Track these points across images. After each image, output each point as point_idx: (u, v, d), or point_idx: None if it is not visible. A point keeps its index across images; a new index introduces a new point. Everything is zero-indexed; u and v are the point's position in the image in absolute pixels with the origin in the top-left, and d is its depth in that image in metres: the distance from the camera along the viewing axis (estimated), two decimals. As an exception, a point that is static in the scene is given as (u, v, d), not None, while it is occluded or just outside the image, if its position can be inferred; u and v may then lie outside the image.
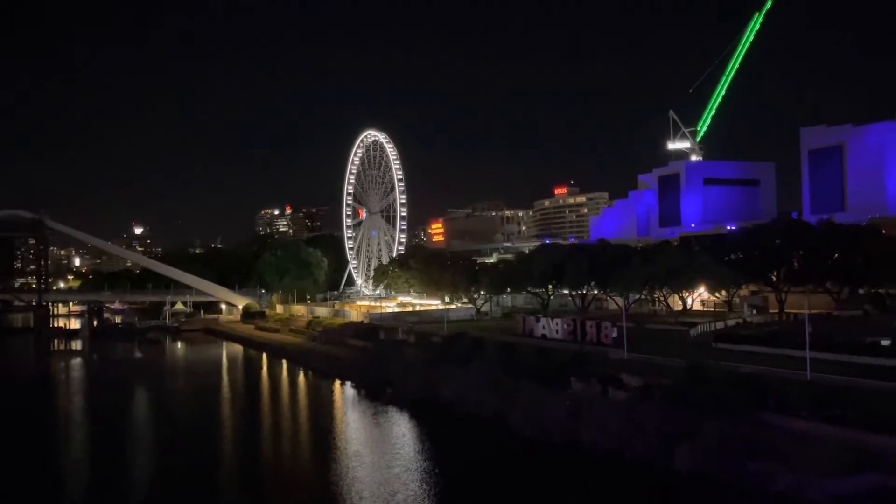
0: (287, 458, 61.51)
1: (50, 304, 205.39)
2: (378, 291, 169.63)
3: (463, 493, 49.15)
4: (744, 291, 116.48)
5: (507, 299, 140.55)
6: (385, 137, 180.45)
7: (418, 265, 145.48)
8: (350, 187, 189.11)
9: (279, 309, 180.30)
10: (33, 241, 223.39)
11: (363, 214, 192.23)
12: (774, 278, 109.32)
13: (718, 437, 47.29)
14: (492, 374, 69.33)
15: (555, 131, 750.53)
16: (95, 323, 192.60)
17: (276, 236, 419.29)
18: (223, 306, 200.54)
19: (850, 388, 52.44)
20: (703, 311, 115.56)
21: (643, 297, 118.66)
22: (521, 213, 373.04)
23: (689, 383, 54.58)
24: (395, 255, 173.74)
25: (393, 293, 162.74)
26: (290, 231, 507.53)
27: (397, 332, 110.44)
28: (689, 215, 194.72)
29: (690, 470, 46.77)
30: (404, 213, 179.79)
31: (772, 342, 71.79)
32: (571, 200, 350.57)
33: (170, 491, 51.87)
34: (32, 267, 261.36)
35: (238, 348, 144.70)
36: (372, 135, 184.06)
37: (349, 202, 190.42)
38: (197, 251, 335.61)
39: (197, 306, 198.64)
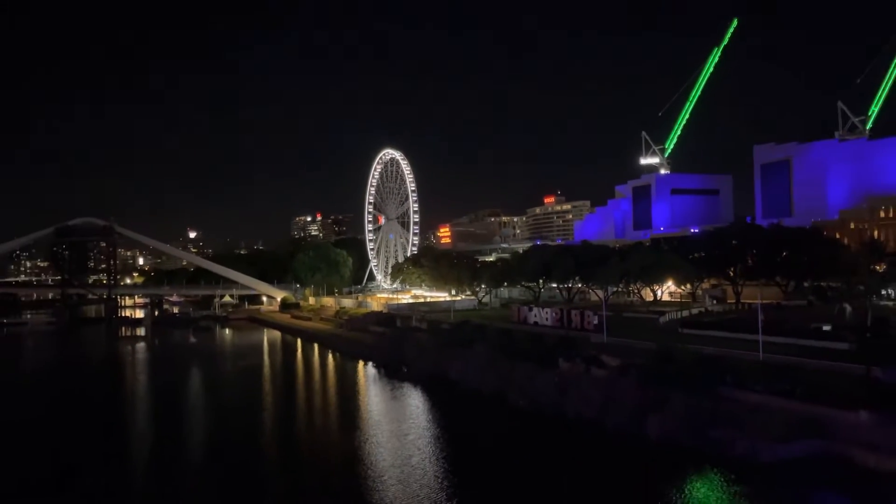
0: (319, 427, 61.66)
1: (118, 297, 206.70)
2: (395, 286, 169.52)
3: (468, 455, 49.14)
4: (705, 285, 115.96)
5: (504, 292, 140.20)
6: (400, 155, 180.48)
7: (429, 263, 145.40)
8: (371, 197, 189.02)
9: (311, 301, 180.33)
10: (104, 244, 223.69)
11: (382, 220, 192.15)
12: (732, 273, 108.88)
13: (684, 409, 47.26)
14: (492, 356, 69.27)
15: (545, 150, 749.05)
16: (156, 313, 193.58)
17: (309, 239, 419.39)
18: (264, 299, 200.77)
19: (796, 366, 52.34)
20: (671, 301, 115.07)
21: (620, 289, 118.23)
22: (515, 219, 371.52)
23: (659, 363, 54.47)
24: (409, 254, 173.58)
25: (407, 287, 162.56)
26: (321, 235, 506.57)
27: (411, 320, 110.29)
28: (659, 220, 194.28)
29: (660, 436, 46.73)
30: (417, 219, 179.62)
31: (730, 328, 71.45)
32: (559, 208, 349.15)
33: (221, 451, 52.11)
34: (103, 266, 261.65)
35: (277, 334, 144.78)
36: (389, 153, 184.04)
37: (370, 210, 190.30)
38: (242, 252, 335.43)
39: (242, 299, 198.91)
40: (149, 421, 66.59)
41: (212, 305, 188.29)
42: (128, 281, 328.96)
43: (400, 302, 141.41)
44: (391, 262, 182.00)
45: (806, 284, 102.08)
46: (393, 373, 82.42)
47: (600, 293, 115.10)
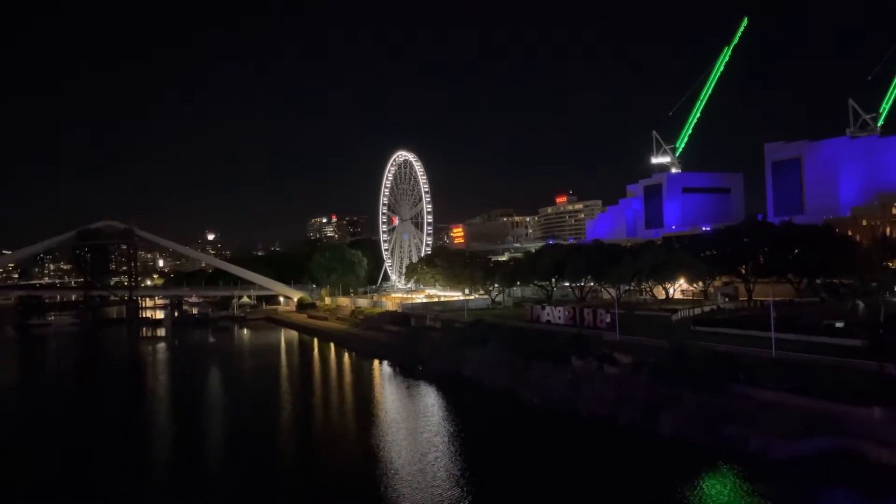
0: (336, 424, 61.91)
1: (139, 298, 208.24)
2: (409, 285, 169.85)
3: (482, 452, 49.09)
4: (717, 282, 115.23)
5: (517, 291, 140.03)
6: (413, 157, 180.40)
7: (442, 263, 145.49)
8: (385, 199, 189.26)
9: (328, 301, 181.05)
10: (125, 247, 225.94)
11: (396, 221, 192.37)
12: (743, 271, 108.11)
13: (697, 406, 46.95)
14: (505, 354, 69.20)
15: (557, 149, 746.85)
16: (176, 314, 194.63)
17: (325, 240, 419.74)
18: (281, 299, 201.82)
19: (809, 363, 51.94)
20: (682, 299, 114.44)
21: (632, 288, 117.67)
22: (528, 219, 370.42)
23: (671, 360, 54.16)
24: (423, 254, 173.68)
25: (422, 286, 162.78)
26: (336, 236, 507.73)
27: (426, 319, 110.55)
28: (671, 219, 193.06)
29: (673, 434, 46.44)
30: (430, 220, 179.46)
31: (742, 325, 71.06)
32: (571, 207, 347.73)
33: (239, 449, 52.40)
34: (124, 268, 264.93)
35: (294, 334, 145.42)
36: (402, 154, 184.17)
37: (384, 211, 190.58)
38: (259, 253, 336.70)
39: (259, 299, 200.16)
40: (169, 419, 67.08)
41: (230, 306, 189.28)
42: (148, 283, 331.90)
43: (414, 301, 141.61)
44: (405, 262, 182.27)
45: (818, 281, 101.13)
46: (408, 371, 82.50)
47: (612, 292, 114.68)
